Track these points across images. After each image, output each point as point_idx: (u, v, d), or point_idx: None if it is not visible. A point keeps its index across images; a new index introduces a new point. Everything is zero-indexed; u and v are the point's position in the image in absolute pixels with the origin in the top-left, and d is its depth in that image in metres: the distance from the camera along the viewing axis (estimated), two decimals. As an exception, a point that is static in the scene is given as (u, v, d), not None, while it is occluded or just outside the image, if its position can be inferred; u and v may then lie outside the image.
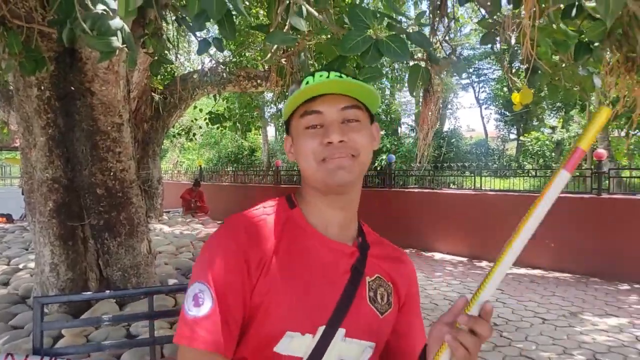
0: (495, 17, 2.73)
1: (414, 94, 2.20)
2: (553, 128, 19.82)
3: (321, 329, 0.86)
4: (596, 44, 2.88)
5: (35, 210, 3.65)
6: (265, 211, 0.96)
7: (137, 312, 2.84)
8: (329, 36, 1.96)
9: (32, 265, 4.68)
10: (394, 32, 1.70)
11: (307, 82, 0.90)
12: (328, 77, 0.90)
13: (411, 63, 2.00)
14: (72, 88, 3.52)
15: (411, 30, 1.77)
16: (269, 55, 2.18)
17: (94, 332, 3.23)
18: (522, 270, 6.89)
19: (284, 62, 3.08)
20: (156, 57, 3.55)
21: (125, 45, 2.34)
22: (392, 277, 0.99)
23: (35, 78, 3.41)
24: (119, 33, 2.33)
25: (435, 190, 9.17)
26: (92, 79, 3.51)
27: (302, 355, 0.85)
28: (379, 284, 0.95)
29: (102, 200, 3.64)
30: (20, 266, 5.01)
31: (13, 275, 4.62)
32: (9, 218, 9.16)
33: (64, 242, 3.59)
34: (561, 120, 18.42)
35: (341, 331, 0.87)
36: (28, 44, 3.01)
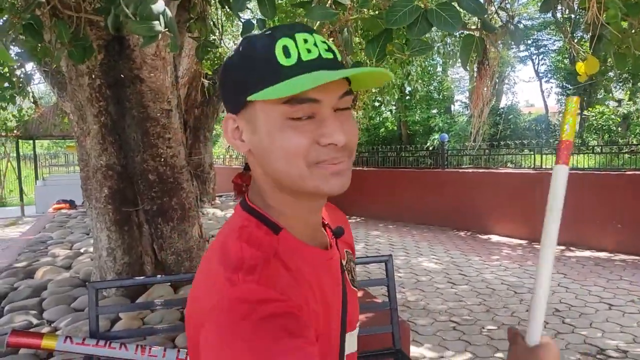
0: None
1: (467, 67, 2.04)
2: (619, 101, 18.58)
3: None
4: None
5: (91, 197, 3.77)
6: (263, 260, 0.67)
7: (184, 298, 2.86)
8: (373, 10, 1.83)
9: (92, 249, 4.88)
10: (444, 0, 1.55)
11: (300, 56, 0.65)
12: (325, 53, 0.67)
13: (464, 34, 1.84)
14: (122, 75, 3.57)
15: (464, -4, 1.61)
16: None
17: (149, 315, 3.31)
18: (587, 253, 6.51)
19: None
20: (202, 42, 3.52)
21: (167, 29, 2.31)
22: (347, 241, 0.89)
23: (86, 67, 3.47)
24: (161, 17, 2.30)
25: (491, 170, 8.81)
26: (140, 65, 3.54)
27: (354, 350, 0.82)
28: (349, 258, 0.87)
29: (154, 186, 3.69)
30: (82, 250, 5.23)
31: (75, 260, 4.82)
32: (71, 204, 9.63)
33: (120, 228, 3.68)
34: (628, 92, 17.22)
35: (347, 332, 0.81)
36: (77, 33, 3.05)
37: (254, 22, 3.04)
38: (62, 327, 3.14)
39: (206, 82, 7.77)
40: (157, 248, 3.80)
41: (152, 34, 2.26)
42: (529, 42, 21.02)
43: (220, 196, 10.65)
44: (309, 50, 0.66)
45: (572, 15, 3.75)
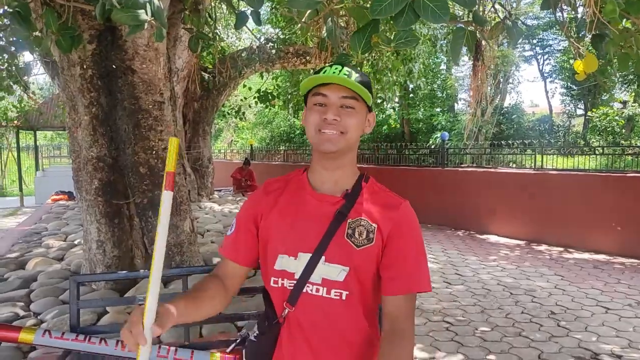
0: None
1: (463, 61, 1.97)
2: (624, 103, 18.42)
3: (302, 255, 1.19)
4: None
5: (82, 189, 3.72)
6: (287, 175, 1.34)
7: (174, 292, 2.82)
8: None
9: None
10: (433, -10, 1.49)
11: (325, 72, 1.19)
12: (340, 72, 1.17)
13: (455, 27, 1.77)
14: (114, 66, 3.51)
15: (454, -12, 1.55)
16: (298, 25, 2.02)
17: (136, 309, 3.26)
18: (585, 255, 6.45)
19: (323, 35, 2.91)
20: (195, 33, 3.47)
21: (153, 18, 2.26)
22: (376, 219, 1.22)
23: (77, 57, 3.42)
24: (147, 6, 2.25)
25: (491, 170, 8.73)
26: (132, 56, 3.49)
27: (294, 272, 1.19)
28: (360, 223, 1.20)
29: (145, 179, 3.65)
30: (76, 242, 5.20)
31: (68, 251, 4.79)
32: (70, 196, 9.60)
33: (110, 220, 3.64)
34: (633, 94, 17.06)
35: (322, 258, 1.17)
36: (67, 22, 3.00)
37: (248, 13, 2.98)
38: (47, 320, 3.10)
39: (206, 75, 7.71)
40: (148, 242, 3.75)
41: (137, 22, 2.21)
42: (534, 41, 20.86)
43: (219, 190, 10.61)
44: (333, 72, 1.18)
45: (575, 14, 3.67)
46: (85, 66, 3.47)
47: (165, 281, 3.71)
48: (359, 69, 1.27)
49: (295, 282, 1.19)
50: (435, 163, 10.04)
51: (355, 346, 1.21)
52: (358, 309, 1.20)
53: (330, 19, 2.04)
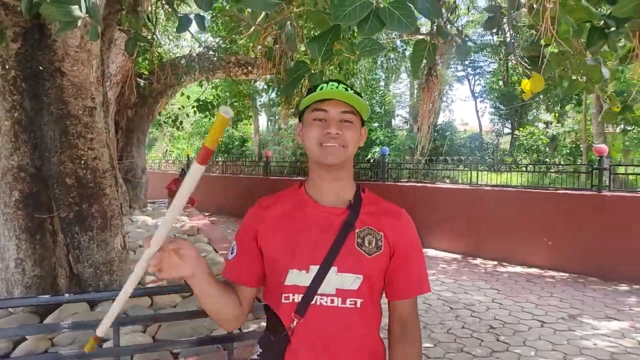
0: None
1: (402, 77, 1.93)
2: (547, 123, 19.64)
3: (313, 267, 1.19)
4: (612, 29, 2.63)
5: (0, 201, 3.35)
6: (282, 192, 1.36)
7: (103, 318, 2.55)
8: (321, 3, 1.68)
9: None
10: (398, -1, 1.42)
11: (322, 88, 1.24)
12: (337, 87, 1.23)
13: (416, 39, 1.72)
14: (41, 68, 3.21)
15: (418, -1, 1.49)
16: (252, 28, 1.89)
17: (59, 336, 2.95)
18: (518, 269, 6.68)
19: (273, 43, 2.79)
20: (132, 35, 3.24)
21: (88, 15, 2.05)
22: (382, 227, 1.26)
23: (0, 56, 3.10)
24: (81, 1, 2.04)
25: (429, 185, 8.93)
26: (62, 57, 3.21)
27: (306, 285, 1.19)
28: (367, 232, 1.24)
29: (72, 191, 3.35)
30: (-10, 259, 4.70)
31: (-20, 269, 4.31)
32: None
33: (31, 236, 3.30)
34: (556, 115, 18.22)
35: (333, 269, 1.19)
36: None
37: (191, 17, 2.82)
38: (-48, 350, 2.73)
39: (142, 81, 7.36)
40: (73, 260, 3.44)
41: (69, 19, 1.99)
42: (466, 62, 21.84)
43: (153, 202, 10.12)
44: (331, 88, 1.23)
45: (511, 36, 3.79)
46: (7, 66, 3.15)
47: (93, 303, 3.40)
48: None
49: (304, 293, 1.20)
50: (375, 177, 10.14)
51: (371, 352, 1.25)
52: (370, 315, 1.24)
53: (289, 22, 1.93)
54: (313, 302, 1.19)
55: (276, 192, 1.37)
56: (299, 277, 1.20)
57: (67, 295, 2.35)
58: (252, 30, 1.89)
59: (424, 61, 1.66)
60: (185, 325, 3.07)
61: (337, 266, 1.19)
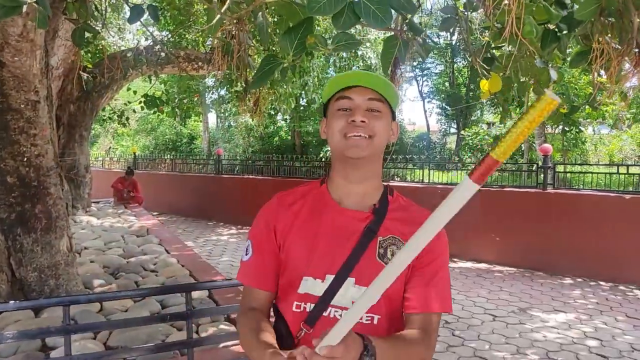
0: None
1: (387, 70, 1.91)
2: (490, 124, 20.40)
3: (329, 276, 1.08)
4: (564, 32, 2.73)
5: None
6: (301, 187, 1.22)
7: (49, 327, 2.39)
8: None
9: None
10: (372, -7, 1.39)
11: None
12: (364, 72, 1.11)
13: (387, 35, 1.70)
14: (-24, 57, 2.98)
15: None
16: (216, 17, 1.80)
17: (1, 346, 2.74)
18: (468, 264, 6.88)
19: (230, 37, 2.71)
20: (80, 25, 3.05)
21: (35, 1, 1.90)
22: (408, 237, 0.98)
23: None
24: (27, -15, 1.89)
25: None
26: (2, 47, 2.99)
27: (318, 295, 1.08)
28: (391, 242, 1.11)
29: (13, 190, 3.13)
30: None
31: None
32: None
33: (-34, 239, 3.06)
34: (499, 116, 18.95)
35: (350, 280, 1.08)
36: None
37: (144, 7, 2.68)
38: None
39: (85, 75, 7.00)
40: (15, 263, 3.21)
41: (14, 4, 1.84)
42: (415, 63, 22.33)
43: (97, 202, 9.68)
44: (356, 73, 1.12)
45: (459, 40, 3.87)
46: (-63, 54, 2.89)
47: (37, 309, 3.19)
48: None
49: (316, 303, 1.09)
50: (327, 175, 10.17)
51: None
52: (387, 334, 1.10)
53: (260, 13, 1.86)
54: (326, 313, 1.08)
55: (276, 191, 1.24)
56: (313, 286, 1.10)
57: (12, 302, 2.17)
58: (215, 20, 1.80)
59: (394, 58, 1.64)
60: (139, 330, 2.94)
61: (355, 277, 1.08)
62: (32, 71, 3.11)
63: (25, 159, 3.14)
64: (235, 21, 2.25)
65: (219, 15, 1.77)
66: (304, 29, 1.46)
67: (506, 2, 1.96)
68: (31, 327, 2.82)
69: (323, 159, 13.12)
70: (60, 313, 2.93)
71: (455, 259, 7.03)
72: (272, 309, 1.19)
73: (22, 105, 3.09)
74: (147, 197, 10.98)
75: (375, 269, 1.02)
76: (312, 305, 1.09)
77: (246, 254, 1.19)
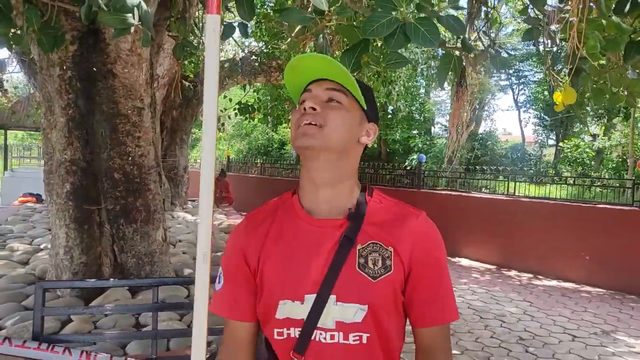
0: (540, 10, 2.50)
1: (445, 85, 2.00)
2: (594, 136, 19.02)
3: (309, 297, 0.97)
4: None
5: (53, 192, 3.62)
6: (273, 201, 1.13)
7: (143, 304, 2.75)
8: (352, 18, 1.79)
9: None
10: (423, 15, 1.52)
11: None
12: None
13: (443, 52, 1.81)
14: (94, 69, 3.46)
15: (444, 14, 1.58)
16: (289, 39, 2.02)
17: (102, 319, 3.16)
18: (553, 283, 6.56)
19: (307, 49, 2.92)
20: (180, 41, 3.45)
21: (140, 22, 2.23)
22: (391, 241, 1.01)
23: (58, 57, 3.36)
24: (135, 10, 2.23)
25: (465, 194, 8.86)
26: (114, 60, 3.44)
27: (302, 318, 0.97)
28: (372, 249, 1.00)
29: (119, 185, 3.57)
30: (42, 246, 5.03)
31: (33, 255, 4.63)
32: (38, 198, 9.33)
33: (80, 226, 3.54)
34: (603, 127, 17.65)
35: (332, 297, 0.96)
36: (49, 21, 2.94)
37: (235, 25, 2.98)
38: (7, 326, 2.98)
39: (187, 84, 7.66)
40: (117, 249, 3.66)
41: (123, 26, 2.18)
42: (511, 71, 21.44)
43: (193, 200, 10.46)
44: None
45: (554, 48, 3.79)
46: (65, 67, 3.40)
47: (134, 291, 3.62)
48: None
49: (301, 328, 0.99)
50: (411, 184, 10.14)
51: None
52: (381, 353, 1.00)
53: (321, 35, 2.05)
54: (314, 337, 0.98)
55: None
56: (292, 309, 0.99)
57: (111, 280, 2.54)
58: (288, 40, 2.02)
59: (450, 73, 1.74)
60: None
61: (336, 294, 0.97)
62: (138, 81, 3.54)
63: (130, 158, 3.58)
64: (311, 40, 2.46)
65: (289, 39, 1.97)
66: (360, 48, 1.61)
67: (571, 17, 1.97)
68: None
69: (408, 167, 13.06)
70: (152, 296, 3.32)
71: (540, 276, 6.74)
72: (264, 343, 1.08)
73: (129, 111, 3.52)
74: (238, 198, 11.64)
75: (356, 282, 0.97)
76: (297, 330, 0.99)
77: (218, 283, 1.09)
